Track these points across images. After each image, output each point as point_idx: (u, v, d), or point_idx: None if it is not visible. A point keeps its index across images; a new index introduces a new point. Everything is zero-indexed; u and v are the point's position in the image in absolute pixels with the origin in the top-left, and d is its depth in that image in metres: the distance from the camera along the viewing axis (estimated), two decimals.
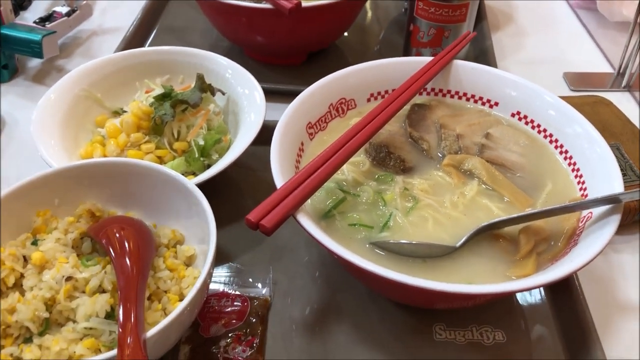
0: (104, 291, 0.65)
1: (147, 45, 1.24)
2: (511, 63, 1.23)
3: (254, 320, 0.72)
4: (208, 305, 0.74)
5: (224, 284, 0.78)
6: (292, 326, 0.73)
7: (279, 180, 0.66)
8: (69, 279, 0.65)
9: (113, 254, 0.66)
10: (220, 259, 0.80)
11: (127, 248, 0.66)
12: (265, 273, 0.79)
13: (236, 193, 0.92)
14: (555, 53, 1.28)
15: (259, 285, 0.77)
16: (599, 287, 0.78)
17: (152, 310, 0.65)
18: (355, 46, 1.27)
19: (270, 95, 0.95)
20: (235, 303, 0.74)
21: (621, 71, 1.17)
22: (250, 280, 0.78)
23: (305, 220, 0.62)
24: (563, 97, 0.81)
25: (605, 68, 1.23)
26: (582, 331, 0.69)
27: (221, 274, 0.79)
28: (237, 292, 0.75)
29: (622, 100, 1.10)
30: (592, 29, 1.34)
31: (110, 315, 0.63)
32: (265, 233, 0.61)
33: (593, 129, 0.73)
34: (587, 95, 1.03)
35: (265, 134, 0.82)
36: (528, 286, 0.58)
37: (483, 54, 1.19)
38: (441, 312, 0.74)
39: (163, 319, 0.59)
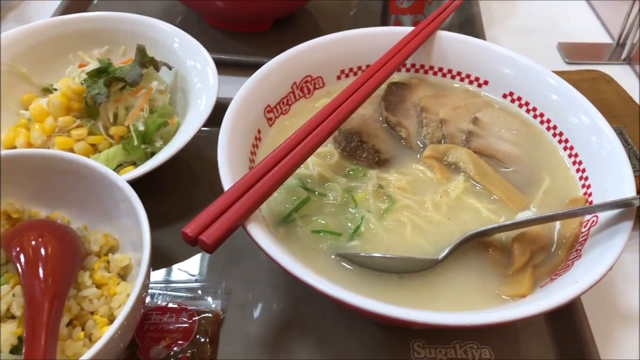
0: (13, 317, 0.54)
1: (91, 9, 1.09)
2: (500, 32, 1.12)
3: (203, 339, 0.62)
4: (148, 321, 0.63)
5: (168, 294, 0.66)
6: (248, 345, 0.63)
7: (228, 181, 0.54)
8: None
9: (22, 272, 0.54)
10: (164, 263, 0.70)
11: (42, 263, 0.54)
12: (217, 281, 0.68)
13: (185, 181, 0.80)
14: (548, 21, 1.17)
15: (209, 297, 0.66)
16: (597, 292, 0.69)
17: (72, 340, 0.54)
18: (326, 11, 1.13)
19: (231, 67, 0.83)
20: (180, 319, 0.64)
21: (621, 42, 1.08)
22: (200, 291, 0.67)
23: (257, 231, 0.51)
24: (558, 72, 0.71)
25: (604, 38, 1.12)
26: (579, 348, 0.62)
27: (164, 282, 0.68)
28: (183, 306, 0.65)
29: (621, 74, 1.00)
30: None
31: (18, 347, 0.52)
32: (206, 250, 0.50)
33: (603, 121, 0.62)
34: (585, 70, 0.92)
35: (221, 111, 0.71)
36: (525, 314, 0.48)
37: (469, 22, 1.07)
38: None
39: (86, 350, 0.48)
